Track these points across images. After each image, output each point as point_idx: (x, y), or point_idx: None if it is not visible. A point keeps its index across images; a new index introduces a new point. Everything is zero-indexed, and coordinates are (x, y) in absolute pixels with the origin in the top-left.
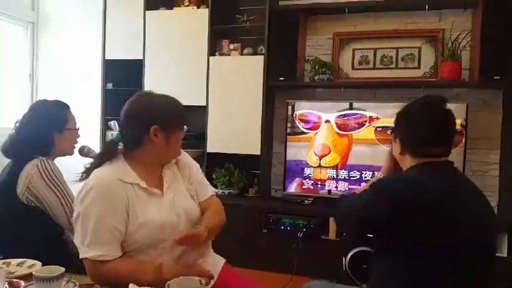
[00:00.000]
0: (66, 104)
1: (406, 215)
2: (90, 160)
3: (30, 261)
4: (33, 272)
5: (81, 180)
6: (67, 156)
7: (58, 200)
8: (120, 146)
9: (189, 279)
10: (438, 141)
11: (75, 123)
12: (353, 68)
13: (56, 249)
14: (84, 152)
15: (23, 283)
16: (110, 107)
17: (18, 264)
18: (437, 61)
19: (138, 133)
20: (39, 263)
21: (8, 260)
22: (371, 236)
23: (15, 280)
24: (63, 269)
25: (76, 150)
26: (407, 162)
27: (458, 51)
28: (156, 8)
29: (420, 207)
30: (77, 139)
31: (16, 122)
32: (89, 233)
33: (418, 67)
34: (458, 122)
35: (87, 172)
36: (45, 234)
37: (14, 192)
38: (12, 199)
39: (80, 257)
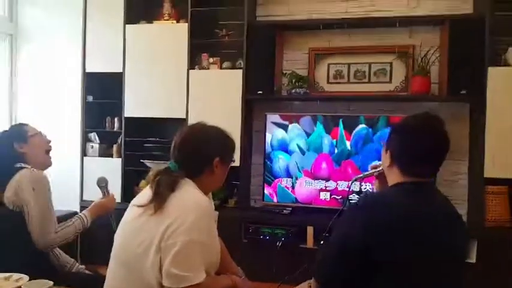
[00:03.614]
0: (22, 123)
1: (378, 239)
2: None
3: (16, 275)
4: (22, 286)
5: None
6: None
7: (39, 209)
8: None
9: None
10: (430, 161)
11: (36, 132)
12: (328, 82)
13: (40, 261)
14: (101, 184)
15: None
16: (90, 119)
17: (5, 279)
18: (408, 75)
19: (200, 163)
20: (26, 277)
21: None
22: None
23: None
24: (51, 283)
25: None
26: (394, 176)
27: (428, 67)
28: (136, 22)
29: (391, 232)
30: (49, 146)
31: None
32: (201, 257)
33: (390, 81)
34: None
35: (161, 199)
36: (30, 246)
37: (1, 200)
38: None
39: (188, 284)
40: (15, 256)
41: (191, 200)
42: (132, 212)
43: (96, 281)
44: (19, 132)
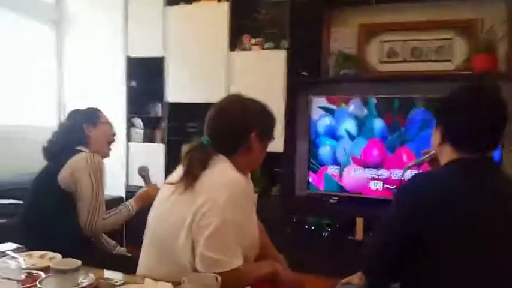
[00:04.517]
0: (95, 107)
1: (428, 220)
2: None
3: (51, 254)
4: (51, 265)
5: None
6: None
7: (91, 193)
8: None
9: (204, 276)
10: (486, 134)
11: (106, 119)
12: (381, 62)
13: (81, 243)
14: (142, 173)
15: (43, 275)
16: (134, 104)
17: (40, 257)
18: (470, 53)
19: (236, 138)
20: (59, 256)
21: (30, 252)
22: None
23: (35, 272)
24: (79, 262)
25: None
26: (446, 155)
27: (494, 43)
28: (176, 3)
29: (441, 213)
30: (112, 138)
31: (53, 132)
32: (237, 239)
33: (450, 60)
34: None
35: (192, 177)
36: (74, 226)
37: (55, 179)
38: (52, 185)
39: (224, 269)
40: (57, 235)
41: (225, 178)
42: (164, 190)
43: (133, 263)
44: (92, 115)
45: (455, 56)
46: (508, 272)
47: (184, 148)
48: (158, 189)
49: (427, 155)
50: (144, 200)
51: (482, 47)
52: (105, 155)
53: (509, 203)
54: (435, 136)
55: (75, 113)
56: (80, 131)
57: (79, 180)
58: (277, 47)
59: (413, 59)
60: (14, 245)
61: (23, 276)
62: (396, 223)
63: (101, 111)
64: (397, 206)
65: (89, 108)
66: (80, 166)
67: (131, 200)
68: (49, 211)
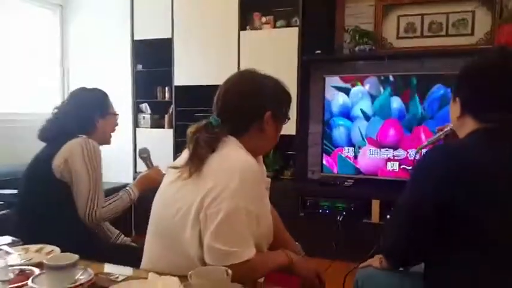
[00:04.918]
0: (106, 93)
1: (454, 193)
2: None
3: (48, 248)
4: (44, 261)
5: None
6: None
7: (88, 182)
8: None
9: (213, 269)
10: (507, 105)
11: (114, 110)
12: (398, 37)
13: (82, 234)
14: (143, 155)
15: (37, 271)
16: (141, 89)
17: (36, 251)
18: (494, 25)
19: (248, 118)
20: (57, 249)
21: (26, 246)
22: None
23: (27, 269)
24: (76, 257)
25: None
26: (466, 127)
27: None
28: None
29: (463, 186)
30: (115, 128)
31: (55, 108)
32: (249, 228)
33: (472, 33)
34: None
35: (199, 160)
36: (73, 216)
37: (49, 167)
38: (46, 174)
39: (235, 261)
40: (56, 227)
41: (235, 161)
42: (169, 175)
43: (137, 254)
44: (104, 104)
45: (477, 29)
46: None
47: (190, 129)
48: (160, 171)
49: (441, 132)
50: (145, 183)
51: (506, 18)
52: (107, 143)
53: None
54: (454, 109)
55: (83, 97)
56: (89, 121)
57: (74, 168)
58: (289, 24)
59: (431, 34)
60: (9, 239)
61: (11, 275)
62: (420, 199)
63: (109, 100)
64: (419, 181)
65: (98, 93)
66: (74, 153)
67: (131, 185)
68: (44, 203)
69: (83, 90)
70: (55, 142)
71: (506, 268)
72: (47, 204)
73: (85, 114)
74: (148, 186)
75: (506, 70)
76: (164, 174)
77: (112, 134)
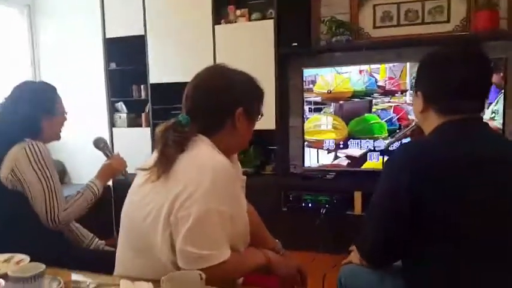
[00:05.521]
0: (53, 87)
1: (428, 184)
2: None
3: (18, 257)
4: (8, 272)
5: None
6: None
7: (41, 187)
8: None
9: (186, 274)
10: (470, 92)
11: (63, 107)
12: (374, 27)
13: (52, 242)
14: (100, 145)
15: (3, 283)
16: (116, 88)
17: (5, 261)
18: (469, 12)
19: (219, 115)
20: (27, 258)
21: None
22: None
23: None
24: (43, 267)
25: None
26: (431, 121)
27: None
28: None
29: (434, 182)
30: (65, 124)
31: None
32: (223, 229)
33: (448, 20)
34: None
35: (167, 161)
36: (39, 225)
37: None
38: None
39: (209, 264)
40: (22, 237)
41: (206, 161)
42: (138, 177)
43: (111, 259)
44: (50, 104)
45: (453, 16)
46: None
47: (159, 128)
48: (121, 159)
49: (407, 128)
50: (108, 174)
51: (481, 4)
52: (56, 139)
53: (499, 167)
54: (416, 103)
55: (26, 93)
56: (33, 122)
57: (23, 177)
58: (264, 17)
59: (408, 22)
60: None
61: None
62: (393, 193)
63: (59, 96)
64: (392, 175)
65: (44, 88)
66: (20, 160)
67: (93, 178)
68: (6, 217)
69: (29, 85)
70: (1, 143)
71: (479, 261)
72: (9, 217)
73: (28, 114)
74: (113, 176)
75: (465, 56)
76: (125, 161)
77: (62, 130)
